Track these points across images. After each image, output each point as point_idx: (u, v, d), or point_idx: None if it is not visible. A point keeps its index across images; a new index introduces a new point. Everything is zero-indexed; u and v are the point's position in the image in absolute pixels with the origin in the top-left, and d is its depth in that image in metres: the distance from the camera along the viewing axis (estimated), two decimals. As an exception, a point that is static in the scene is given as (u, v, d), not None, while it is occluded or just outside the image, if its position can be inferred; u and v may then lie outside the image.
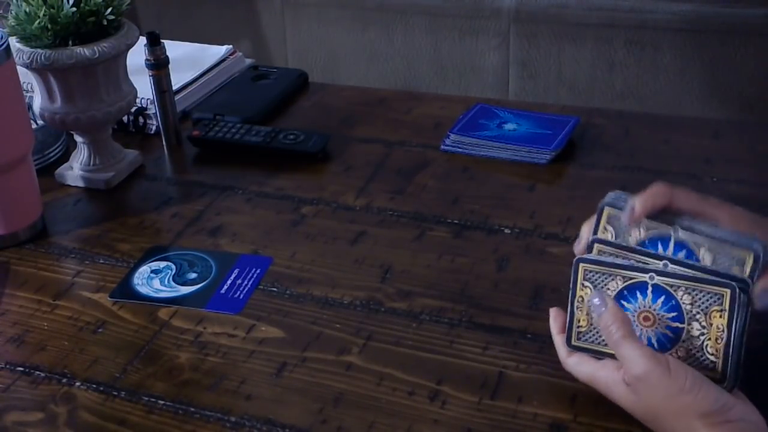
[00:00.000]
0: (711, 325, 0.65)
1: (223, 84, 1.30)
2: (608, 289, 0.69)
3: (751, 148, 1.08)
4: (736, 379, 0.65)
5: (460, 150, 1.10)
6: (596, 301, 0.68)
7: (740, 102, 1.71)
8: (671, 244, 0.69)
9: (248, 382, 0.76)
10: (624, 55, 1.76)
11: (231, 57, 1.33)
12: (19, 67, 0.95)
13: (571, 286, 0.71)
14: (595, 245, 0.72)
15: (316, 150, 1.10)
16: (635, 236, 0.71)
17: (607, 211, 0.73)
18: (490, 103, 1.20)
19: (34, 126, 1.06)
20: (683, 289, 0.66)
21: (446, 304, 0.84)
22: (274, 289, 0.87)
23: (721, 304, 0.65)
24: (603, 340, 0.69)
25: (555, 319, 0.74)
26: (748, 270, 0.65)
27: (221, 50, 1.33)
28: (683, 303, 0.67)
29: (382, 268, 0.89)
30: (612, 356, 0.67)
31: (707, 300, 0.66)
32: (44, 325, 0.85)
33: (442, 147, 1.11)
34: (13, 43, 0.98)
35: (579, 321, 0.71)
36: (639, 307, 0.68)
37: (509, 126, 1.13)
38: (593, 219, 0.74)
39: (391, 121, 1.20)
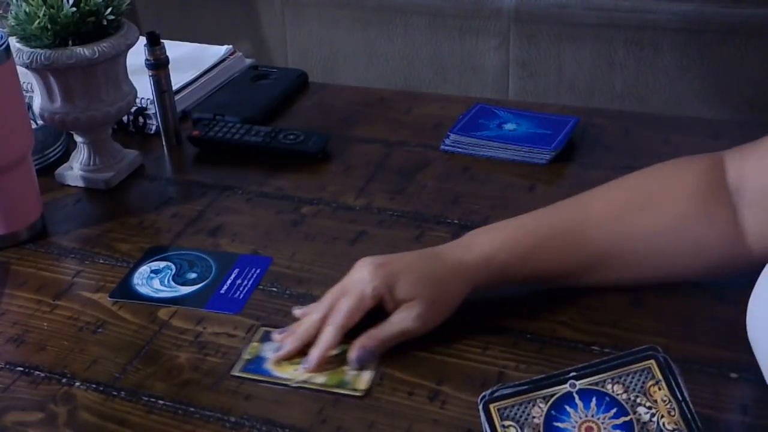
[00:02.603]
0: (656, 401, 0.63)
1: (223, 84, 1.30)
2: (534, 417, 0.63)
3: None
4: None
5: (460, 150, 1.10)
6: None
7: (740, 102, 1.71)
8: (577, 399, 0.64)
9: (248, 382, 0.76)
10: (624, 55, 1.75)
11: (231, 57, 1.33)
12: (19, 67, 0.95)
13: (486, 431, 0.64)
14: (490, 407, 0.64)
15: (316, 150, 1.10)
16: (537, 413, 0.64)
17: (494, 407, 0.64)
18: (490, 103, 1.20)
19: (34, 126, 1.06)
20: (610, 381, 0.63)
21: (446, 304, 0.84)
22: (274, 289, 0.87)
23: (654, 376, 0.63)
24: None
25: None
26: (660, 375, 0.63)
27: (221, 50, 1.33)
28: (617, 395, 0.63)
29: (382, 268, 0.89)
30: None
31: (638, 380, 0.63)
32: (44, 325, 0.85)
33: (442, 147, 1.11)
34: (13, 43, 0.98)
35: None
36: (576, 420, 0.63)
37: (509, 126, 1.13)
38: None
39: (391, 121, 1.20)
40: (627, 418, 0.63)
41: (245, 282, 0.88)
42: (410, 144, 1.13)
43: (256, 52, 2.00)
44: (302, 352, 0.77)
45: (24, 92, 1.01)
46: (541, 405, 0.63)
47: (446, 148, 1.11)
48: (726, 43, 1.68)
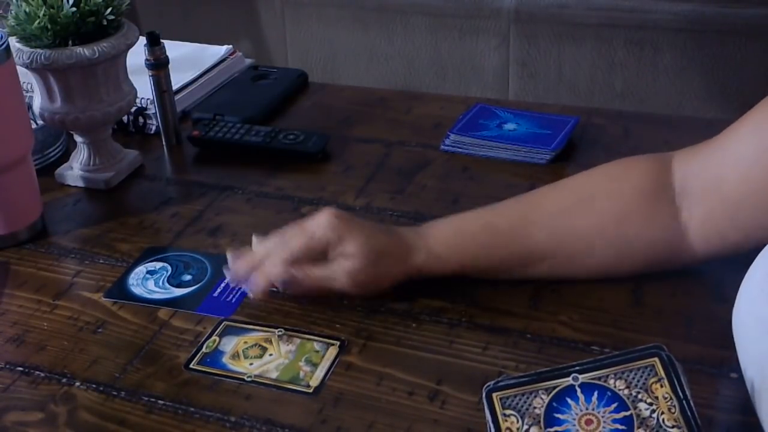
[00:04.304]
0: (657, 398, 0.63)
1: (223, 84, 1.30)
2: (535, 408, 0.63)
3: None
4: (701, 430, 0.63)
5: (460, 150, 1.10)
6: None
7: (740, 102, 1.71)
8: (579, 393, 0.64)
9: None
10: (624, 55, 1.76)
11: (231, 57, 1.33)
12: (19, 67, 0.95)
13: (489, 424, 0.63)
14: (493, 395, 0.64)
15: (316, 150, 1.10)
16: (538, 404, 0.64)
17: (496, 396, 0.64)
18: (490, 103, 1.20)
19: (34, 126, 1.06)
20: (612, 376, 0.64)
21: (446, 304, 0.84)
22: (274, 289, 0.87)
23: (656, 374, 0.63)
24: None
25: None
26: (662, 373, 0.63)
27: (221, 50, 1.33)
28: (619, 390, 0.63)
29: (382, 268, 0.89)
30: None
31: (641, 376, 0.63)
32: (44, 325, 0.85)
33: (442, 147, 1.11)
34: (13, 43, 0.98)
35: None
36: (577, 414, 0.63)
37: (509, 126, 1.13)
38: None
39: (391, 121, 1.20)
40: (627, 413, 0.63)
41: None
42: (410, 144, 1.13)
43: (256, 52, 2.00)
44: (260, 347, 0.80)
45: (24, 92, 1.01)
46: (543, 396, 0.64)
47: (446, 148, 1.11)
48: (726, 43, 1.68)
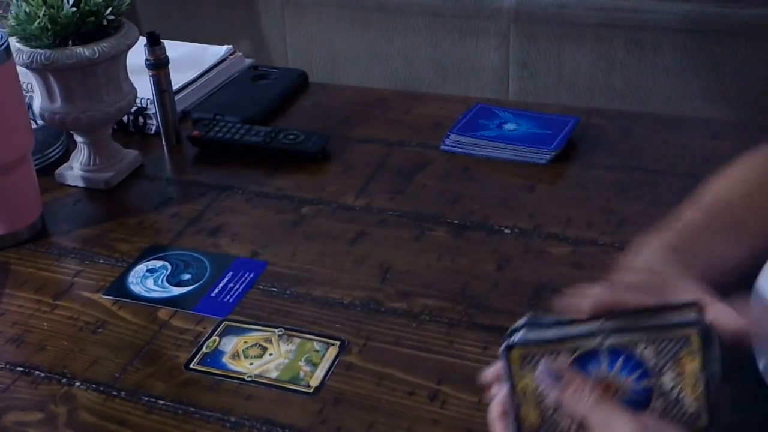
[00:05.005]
0: (683, 372, 0.60)
1: (223, 84, 1.30)
2: None
3: (751, 148, 1.08)
4: (717, 418, 0.60)
5: (460, 150, 1.10)
6: (548, 374, 0.59)
7: (740, 102, 1.71)
8: (602, 359, 0.60)
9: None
10: (624, 55, 1.75)
11: (231, 57, 1.33)
12: (19, 67, 0.95)
13: (505, 380, 0.60)
14: (515, 349, 0.60)
15: (316, 150, 1.10)
16: (560, 364, 0.61)
17: (516, 352, 0.60)
18: (490, 103, 1.20)
19: (34, 126, 1.06)
20: (644, 342, 0.60)
21: (446, 304, 0.84)
22: (274, 289, 0.87)
23: (690, 346, 0.59)
24: (562, 430, 0.61)
25: (497, 426, 0.62)
26: (697, 347, 0.59)
27: (221, 50, 1.33)
28: (645, 358, 0.60)
29: (382, 268, 0.89)
30: None
31: (673, 347, 0.60)
32: (44, 325, 0.85)
33: (442, 147, 1.11)
34: (13, 43, 0.98)
35: (528, 417, 0.61)
36: (596, 379, 0.60)
37: (509, 126, 1.13)
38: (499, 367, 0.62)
39: (391, 121, 1.20)
40: (648, 384, 0.60)
41: (237, 286, 0.88)
42: (410, 144, 1.13)
43: (256, 52, 2.00)
44: (260, 347, 0.79)
45: (24, 92, 1.01)
46: (564, 357, 0.60)
47: (446, 148, 1.11)
48: (726, 43, 1.68)
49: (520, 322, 0.61)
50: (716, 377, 0.60)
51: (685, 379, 0.60)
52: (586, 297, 0.61)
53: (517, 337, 0.61)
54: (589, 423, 0.58)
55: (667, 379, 0.60)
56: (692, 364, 0.59)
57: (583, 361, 0.60)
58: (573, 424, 0.60)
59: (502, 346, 0.60)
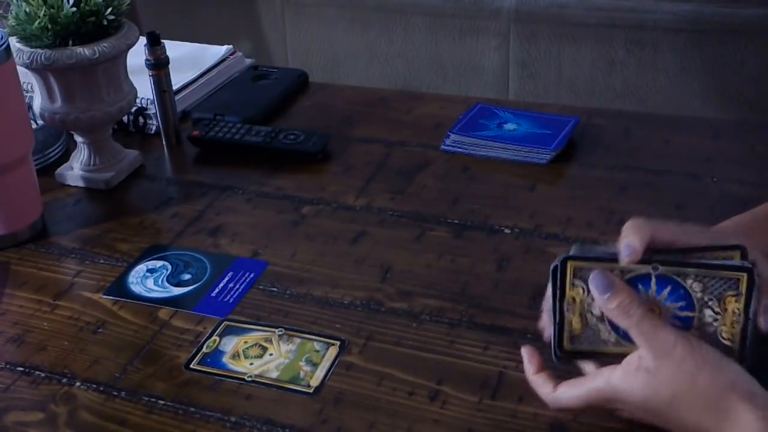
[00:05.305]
0: (726, 310, 0.64)
1: (223, 84, 1.30)
2: None
3: (751, 148, 1.08)
4: (752, 360, 0.64)
5: (460, 150, 1.10)
6: (601, 282, 0.63)
7: (740, 102, 1.71)
8: (653, 282, 0.64)
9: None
10: (624, 55, 1.75)
11: (231, 57, 1.33)
12: (19, 67, 0.95)
13: (554, 289, 0.66)
14: (569, 262, 0.66)
15: (316, 150, 1.10)
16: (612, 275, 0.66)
17: (571, 264, 0.66)
18: (490, 103, 1.20)
19: (34, 126, 1.06)
20: (692, 276, 0.64)
21: (446, 304, 0.84)
22: (275, 289, 0.87)
23: (737, 288, 0.63)
24: (602, 339, 0.66)
25: (530, 359, 0.68)
26: (743, 289, 0.63)
27: (221, 50, 1.33)
28: (693, 291, 0.64)
29: (382, 268, 0.89)
30: (608, 356, 0.65)
31: (721, 286, 0.64)
32: (44, 325, 0.85)
33: (442, 147, 1.11)
34: (13, 43, 0.98)
35: (572, 323, 0.66)
36: (643, 300, 0.64)
37: (509, 126, 1.13)
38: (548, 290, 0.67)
39: (391, 121, 1.20)
40: (691, 314, 0.64)
41: (237, 286, 0.88)
42: (410, 144, 1.13)
43: (256, 52, 2.00)
44: (260, 347, 0.79)
45: (24, 92, 1.01)
46: (616, 275, 0.65)
47: (446, 148, 1.11)
48: (726, 43, 1.68)
49: (572, 249, 0.66)
50: (753, 321, 0.63)
51: (726, 317, 0.64)
52: (640, 230, 0.66)
53: (574, 250, 0.66)
54: (634, 334, 0.62)
55: (709, 314, 0.64)
56: (735, 305, 0.64)
57: (635, 282, 0.64)
58: (611, 335, 0.65)
59: (557, 259, 0.65)
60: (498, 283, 0.86)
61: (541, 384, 0.68)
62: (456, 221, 0.96)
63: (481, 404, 0.72)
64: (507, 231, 0.94)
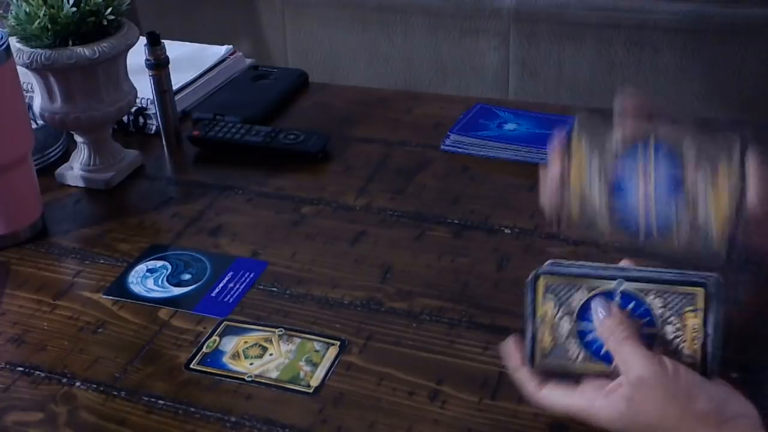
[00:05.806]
0: (685, 326, 0.64)
1: (223, 84, 1.30)
2: (572, 301, 0.66)
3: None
4: (716, 374, 0.64)
5: (460, 150, 1.10)
6: (600, 307, 0.65)
7: (740, 102, 1.71)
8: (617, 299, 0.65)
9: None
10: (624, 55, 1.76)
11: (231, 57, 1.33)
12: (19, 67, 0.95)
13: (528, 303, 0.67)
14: (541, 278, 0.67)
15: (316, 150, 1.10)
16: (577, 298, 0.67)
17: (543, 280, 0.67)
18: (490, 103, 1.20)
19: (34, 126, 1.06)
20: (654, 293, 0.65)
21: (446, 304, 0.84)
22: (274, 289, 0.87)
23: (694, 304, 0.64)
24: (570, 357, 0.66)
25: (513, 353, 0.69)
26: (701, 305, 0.64)
27: (221, 50, 1.33)
28: (654, 307, 0.65)
29: (382, 268, 0.89)
30: (578, 374, 0.66)
31: (679, 302, 0.64)
32: (44, 325, 0.85)
33: (442, 147, 1.11)
34: (13, 43, 0.98)
35: (542, 340, 0.67)
36: (628, 324, 0.65)
37: (509, 126, 1.13)
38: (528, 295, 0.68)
39: (391, 121, 1.20)
40: (653, 330, 0.65)
41: (237, 286, 0.88)
42: (410, 144, 1.13)
43: (256, 52, 2.00)
44: (260, 347, 0.79)
45: (24, 92, 1.01)
46: (584, 292, 0.66)
47: (446, 148, 1.11)
48: (726, 43, 1.68)
49: (546, 264, 0.68)
50: (716, 332, 0.64)
51: (686, 333, 0.65)
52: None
53: (544, 267, 0.67)
54: (615, 357, 0.64)
55: (670, 330, 0.65)
56: (693, 320, 0.64)
57: (600, 298, 0.66)
58: (580, 353, 0.67)
59: (530, 275, 0.67)
60: (498, 283, 0.86)
61: (527, 379, 0.68)
62: (456, 221, 0.96)
63: (481, 404, 0.72)
64: (507, 231, 0.94)
